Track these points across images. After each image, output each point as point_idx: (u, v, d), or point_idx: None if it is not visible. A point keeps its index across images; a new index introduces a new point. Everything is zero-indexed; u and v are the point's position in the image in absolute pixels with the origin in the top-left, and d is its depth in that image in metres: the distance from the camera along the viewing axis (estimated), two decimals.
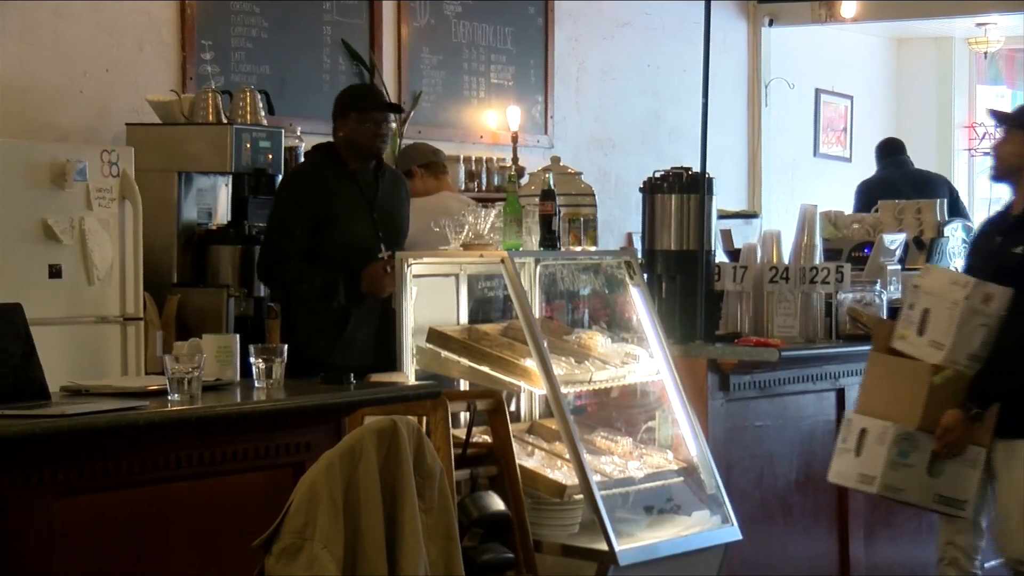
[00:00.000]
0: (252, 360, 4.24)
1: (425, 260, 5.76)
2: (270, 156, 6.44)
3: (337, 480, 3.42)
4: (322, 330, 5.69)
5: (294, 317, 5.80)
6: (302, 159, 6.57)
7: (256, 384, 4.22)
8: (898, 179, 9.51)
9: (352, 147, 5.75)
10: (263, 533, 3.45)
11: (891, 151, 9.97)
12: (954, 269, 6.48)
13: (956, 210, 9.02)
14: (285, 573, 3.36)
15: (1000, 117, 5.34)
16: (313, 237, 5.66)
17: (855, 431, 5.10)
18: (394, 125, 5.84)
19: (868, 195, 9.14)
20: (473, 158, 8.32)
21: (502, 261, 5.49)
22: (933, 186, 9.41)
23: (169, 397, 3.93)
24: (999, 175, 5.20)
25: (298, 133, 7.15)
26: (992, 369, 4.94)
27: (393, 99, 7.98)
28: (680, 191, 6.00)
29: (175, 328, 6.14)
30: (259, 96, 6.68)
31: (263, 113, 6.62)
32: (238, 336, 4.38)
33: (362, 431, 3.54)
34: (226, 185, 6.49)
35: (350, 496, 3.43)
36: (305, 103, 7.55)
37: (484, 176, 8.32)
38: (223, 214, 6.48)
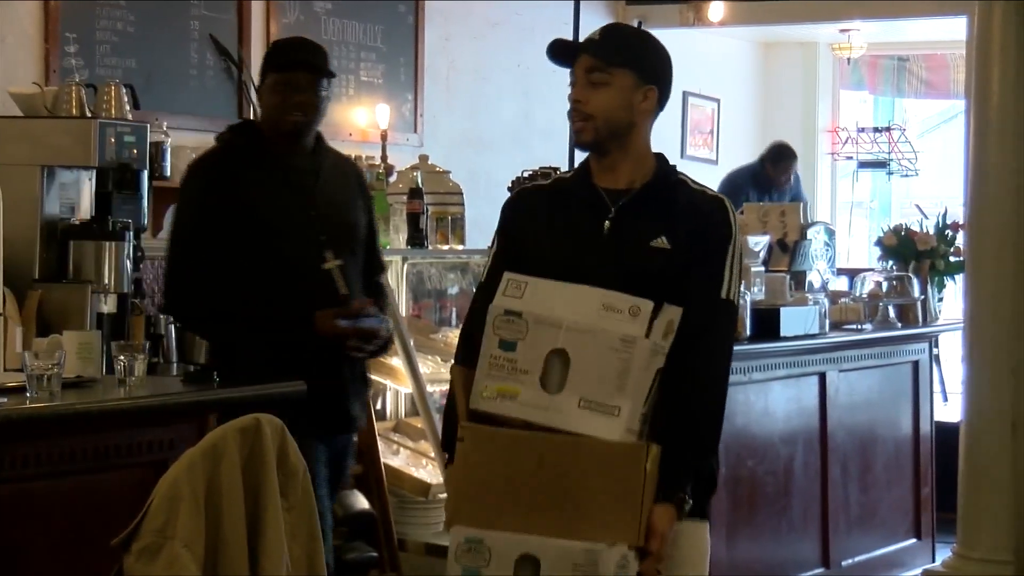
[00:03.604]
0: (114, 357, 4.20)
1: None
2: (135, 151, 6.35)
3: (199, 478, 3.39)
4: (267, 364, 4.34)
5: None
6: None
7: (118, 381, 4.18)
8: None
9: (268, 122, 4.48)
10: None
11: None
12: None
13: None
14: (144, 573, 3.32)
15: (599, 50, 3.50)
16: (231, 248, 4.39)
17: (503, 558, 3.21)
18: (324, 93, 4.39)
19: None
20: None
21: None
22: None
23: (28, 394, 3.88)
24: (598, 138, 3.47)
25: (164, 128, 7.07)
26: (685, 431, 3.30)
27: None
28: None
29: (36, 324, 6.04)
30: (124, 90, 6.60)
31: (128, 107, 6.54)
32: (100, 333, 4.33)
33: (224, 429, 3.52)
34: (90, 180, 6.39)
35: (212, 495, 3.40)
36: (172, 98, 7.48)
37: None
38: (86, 209, 6.40)
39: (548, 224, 3.48)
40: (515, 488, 3.22)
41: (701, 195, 3.58)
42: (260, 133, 4.46)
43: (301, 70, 4.36)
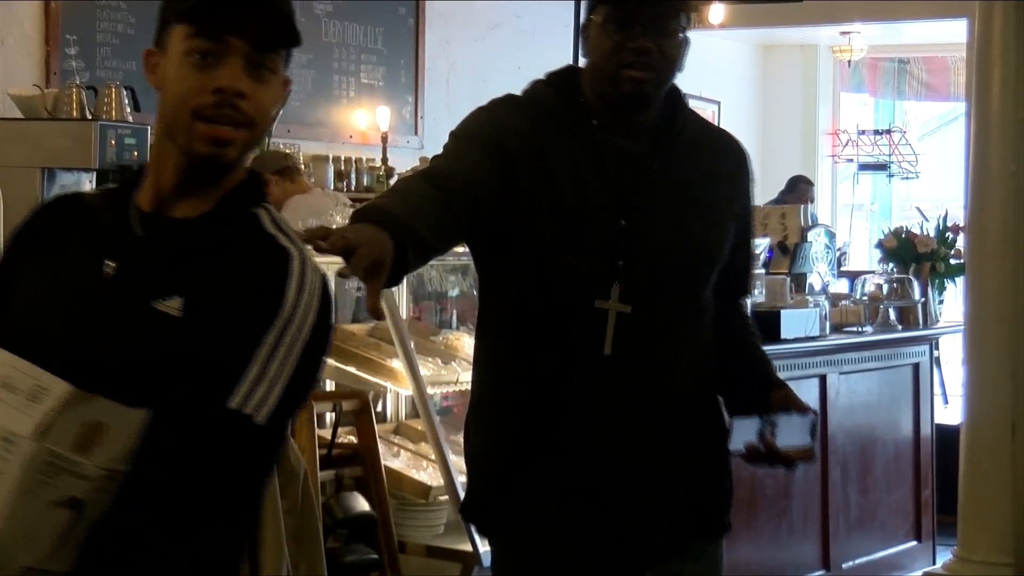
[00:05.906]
0: None
1: None
2: (135, 153, 6.38)
3: None
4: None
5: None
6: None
7: None
8: None
9: (595, 76, 2.86)
10: None
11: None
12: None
13: None
14: None
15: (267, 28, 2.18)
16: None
17: None
18: (683, 36, 2.96)
19: None
20: (342, 158, 8.29)
21: None
22: None
23: None
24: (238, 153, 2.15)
25: None
26: None
27: None
28: None
29: None
30: (125, 92, 6.61)
31: (128, 109, 6.55)
32: None
33: None
34: (90, 182, 6.42)
35: None
36: None
37: (353, 176, 8.29)
38: None
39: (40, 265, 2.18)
40: None
41: (269, 237, 2.11)
42: (579, 89, 2.91)
43: (647, 2, 2.83)
